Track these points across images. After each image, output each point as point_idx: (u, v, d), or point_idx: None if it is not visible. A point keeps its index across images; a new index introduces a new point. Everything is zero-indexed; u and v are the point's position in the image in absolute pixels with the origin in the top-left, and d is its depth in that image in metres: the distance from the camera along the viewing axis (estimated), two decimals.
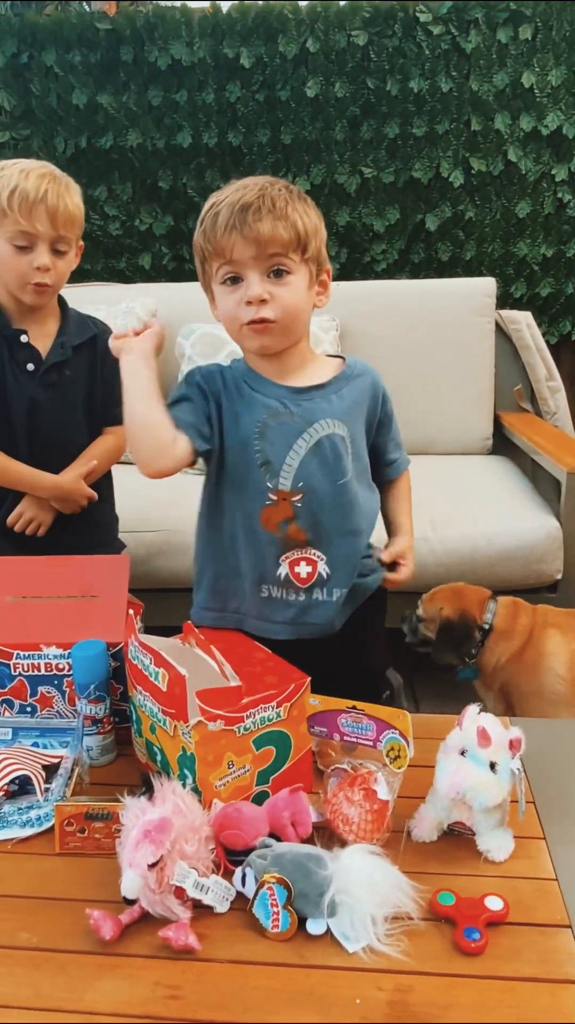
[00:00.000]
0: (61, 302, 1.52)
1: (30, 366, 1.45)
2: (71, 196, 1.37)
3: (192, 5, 2.63)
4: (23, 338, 1.43)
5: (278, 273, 1.05)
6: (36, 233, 1.33)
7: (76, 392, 1.50)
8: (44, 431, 1.48)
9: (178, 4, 2.61)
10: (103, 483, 1.58)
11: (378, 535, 1.23)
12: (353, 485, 1.14)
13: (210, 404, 1.11)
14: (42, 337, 1.46)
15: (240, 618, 1.17)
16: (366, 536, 1.19)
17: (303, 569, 1.12)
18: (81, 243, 1.46)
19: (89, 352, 1.50)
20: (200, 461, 1.13)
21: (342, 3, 2.56)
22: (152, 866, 0.75)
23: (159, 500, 1.86)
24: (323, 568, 1.13)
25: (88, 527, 1.55)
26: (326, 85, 2.62)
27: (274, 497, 1.11)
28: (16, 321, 1.45)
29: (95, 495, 1.53)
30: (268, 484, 1.10)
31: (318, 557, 1.13)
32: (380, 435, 1.22)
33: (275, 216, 1.03)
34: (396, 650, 1.53)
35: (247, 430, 1.10)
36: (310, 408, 1.11)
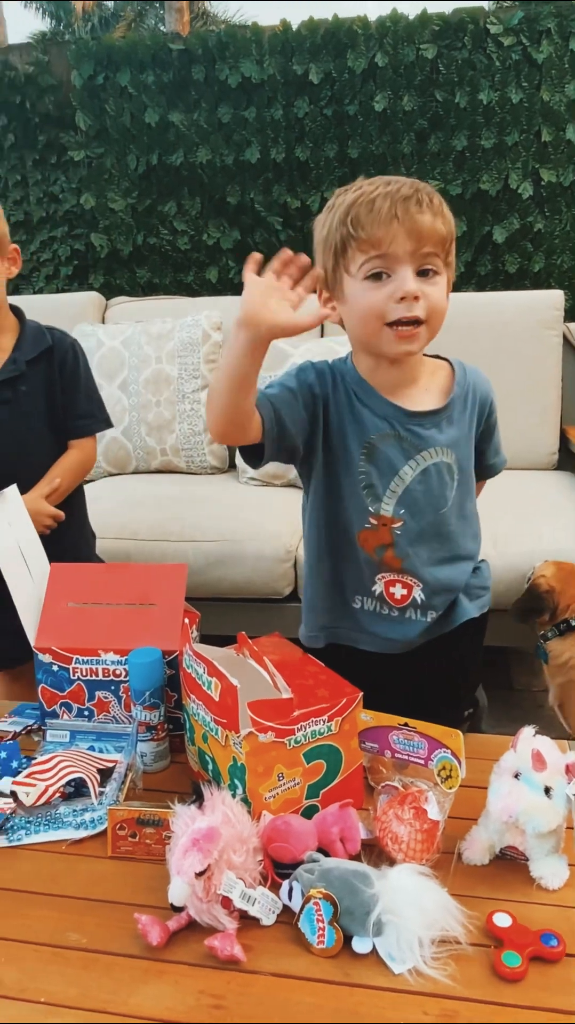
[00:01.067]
0: (19, 313, 1.48)
1: None
2: None
3: (263, 23, 2.67)
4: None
5: (425, 273, 0.99)
6: None
7: (34, 407, 1.45)
8: (3, 450, 1.42)
9: (249, 23, 2.65)
10: (72, 501, 1.52)
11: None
12: (454, 512, 1.11)
13: (316, 407, 1.06)
14: None
15: (334, 631, 1.16)
16: (471, 559, 1.16)
17: (398, 591, 1.11)
18: (14, 247, 1.42)
19: (46, 364, 1.45)
20: (294, 476, 1.12)
21: (412, 17, 2.56)
22: (200, 874, 0.76)
23: (218, 510, 1.89)
24: (419, 594, 1.11)
25: (57, 549, 1.38)
26: (394, 99, 2.62)
27: (374, 522, 1.08)
28: None
29: (61, 515, 1.46)
30: (370, 508, 1.08)
31: (414, 582, 1.11)
32: (482, 442, 1.17)
33: (433, 211, 0.97)
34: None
35: (354, 448, 1.06)
36: (421, 435, 1.06)
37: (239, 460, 2.19)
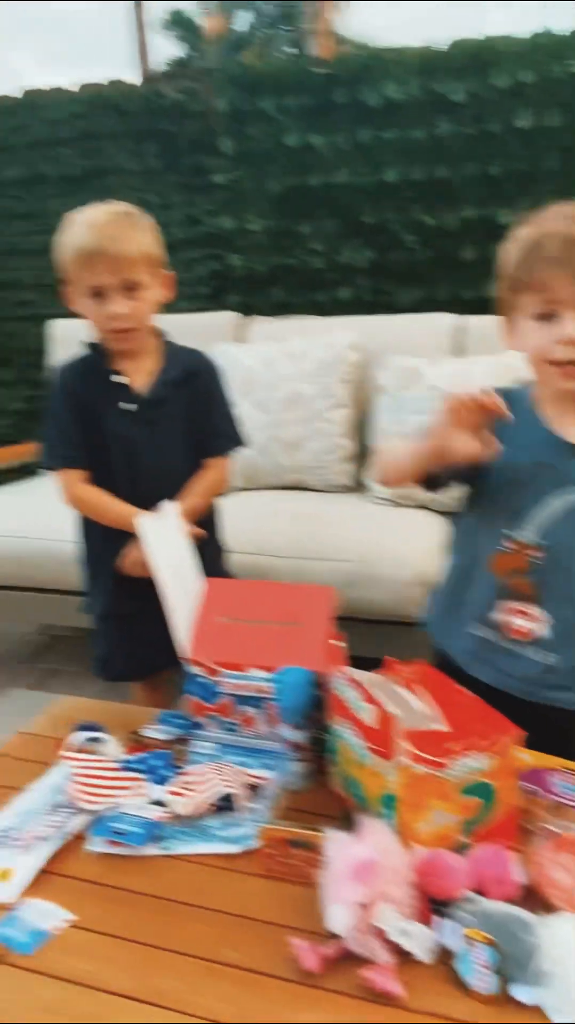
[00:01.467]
0: (162, 335, 1.50)
1: (128, 405, 1.43)
2: (133, 237, 1.34)
3: (408, 45, 2.67)
4: (121, 378, 1.42)
5: None
6: (102, 284, 1.33)
7: (176, 428, 1.48)
8: (145, 470, 1.45)
9: (395, 45, 2.67)
10: (208, 519, 1.55)
11: None
12: None
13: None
14: (140, 375, 1.45)
15: (455, 654, 1.16)
16: None
17: (521, 622, 1.09)
18: (168, 273, 1.43)
19: (189, 386, 1.48)
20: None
21: (561, 34, 2.51)
22: (359, 905, 0.76)
23: (352, 530, 1.89)
24: (542, 629, 1.08)
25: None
26: (539, 116, 2.57)
27: (512, 546, 1.08)
28: (115, 361, 1.45)
29: (203, 533, 1.48)
30: (510, 532, 1.07)
31: (540, 616, 1.08)
32: None
33: None
34: None
35: (508, 470, 1.07)
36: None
37: (370, 480, 2.19)
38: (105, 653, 1.57)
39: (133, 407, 1.42)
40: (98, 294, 1.34)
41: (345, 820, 0.89)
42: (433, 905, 0.84)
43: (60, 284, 1.42)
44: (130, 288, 1.34)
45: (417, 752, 0.87)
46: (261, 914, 0.88)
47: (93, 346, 1.46)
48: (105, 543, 1.46)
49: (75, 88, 3.06)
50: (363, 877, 0.76)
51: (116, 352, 1.44)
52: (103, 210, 1.35)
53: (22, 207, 3.21)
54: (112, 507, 1.42)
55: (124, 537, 1.39)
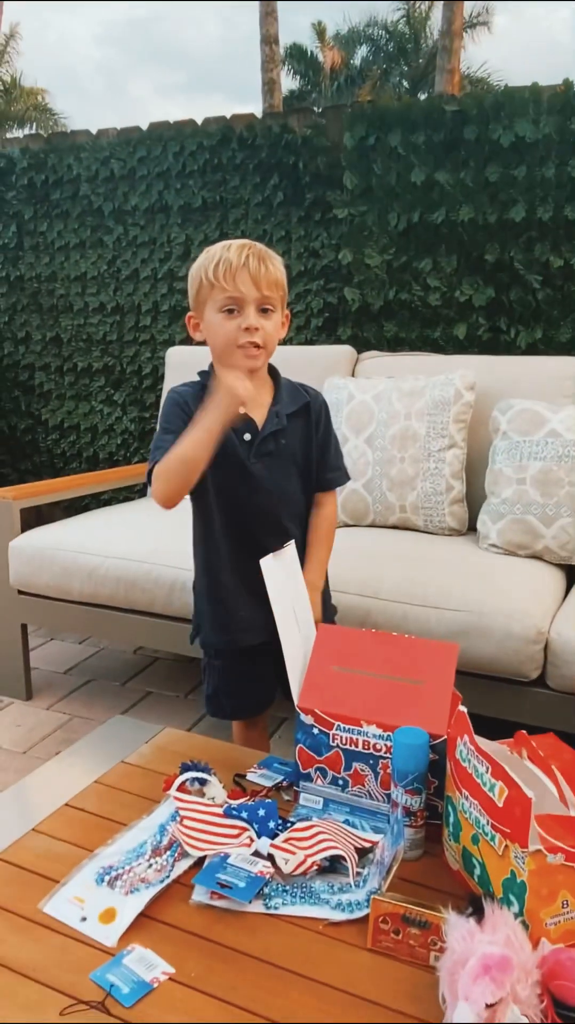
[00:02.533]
0: (273, 372, 1.52)
1: (247, 436, 1.44)
2: (271, 262, 1.41)
3: (543, 84, 2.62)
4: (240, 409, 1.36)
5: None
6: (242, 296, 1.36)
7: (292, 459, 1.50)
8: (267, 500, 1.47)
9: (529, 84, 2.62)
10: None
11: None
12: None
13: None
14: (257, 408, 1.45)
15: None
16: None
17: None
18: (288, 312, 1.48)
19: (303, 419, 1.50)
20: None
21: None
22: (489, 1006, 0.70)
23: (462, 577, 1.82)
24: None
25: None
26: None
27: None
28: None
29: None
30: None
31: None
32: None
33: None
34: None
35: None
36: None
37: (481, 524, 2.12)
38: (216, 690, 1.56)
39: (248, 436, 1.44)
40: (233, 309, 1.38)
41: (467, 904, 0.83)
42: (563, 1009, 0.77)
43: (187, 312, 1.47)
44: (264, 309, 1.39)
45: (550, 840, 0.81)
46: (370, 993, 0.83)
47: (210, 374, 1.48)
48: (231, 575, 1.47)
49: (199, 121, 3.14)
50: (494, 976, 0.70)
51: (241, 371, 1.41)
52: (242, 240, 1.41)
53: (145, 236, 3.31)
54: (186, 436, 1.34)
55: (249, 571, 1.31)
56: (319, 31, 21.27)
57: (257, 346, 1.39)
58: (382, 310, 2.93)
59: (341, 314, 3.01)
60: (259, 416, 1.46)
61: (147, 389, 3.46)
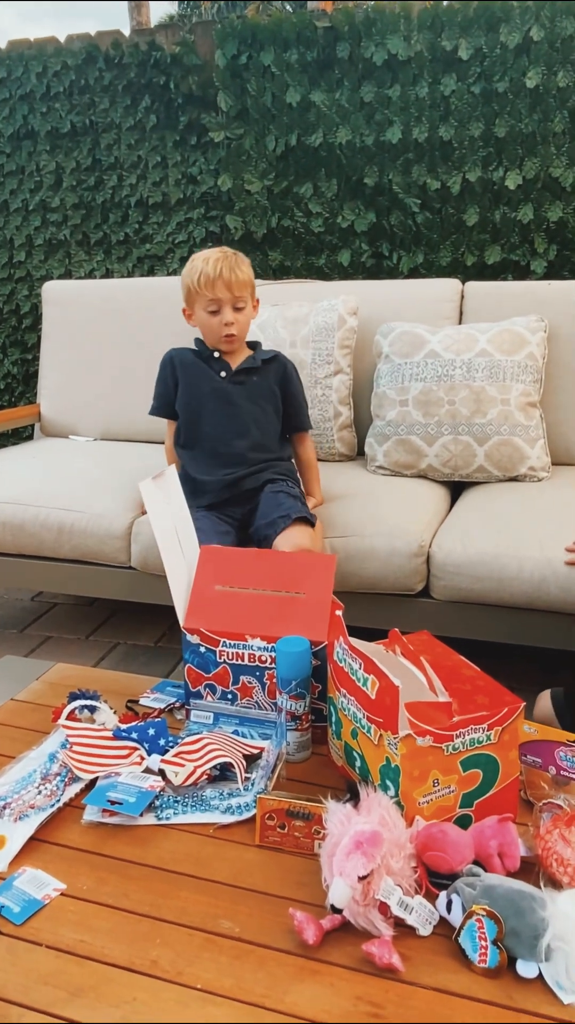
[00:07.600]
0: (253, 346, 1.92)
1: (223, 373, 1.85)
2: (240, 269, 1.78)
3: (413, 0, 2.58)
4: (216, 354, 1.86)
5: None
6: (220, 299, 1.77)
7: (265, 392, 1.87)
8: (240, 416, 1.82)
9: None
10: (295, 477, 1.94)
11: None
12: None
13: None
14: (236, 360, 1.87)
15: None
16: None
17: None
18: (257, 299, 1.86)
19: (274, 367, 1.89)
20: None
21: None
22: (362, 878, 0.74)
23: (348, 503, 1.85)
24: None
25: None
26: (548, 75, 2.49)
27: None
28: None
29: (322, 500, 1.96)
30: None
31: None
32: None
33: None
34: None
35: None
36: None
37: (368, 447, 2.15)
38: None
39: (224, 373, 1.85)
40: (215, 310, 1.79)
41: (352, 793, 0.87)
42: (436, 878, 0.83)
43: (183, 306, 1.87)
44: (238, 307, 1.80)
45: (419, 724, 0.85)
46: (259, 885, 0.86)
47: (201, 343, 1.90)
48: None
49: (62, 39, 2.96)
50: (366, 850, 0.74)
51: (222, 354, 1.87)
52: (219, 250, 1.81)
53: (12, 164, 3.12)
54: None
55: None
56: None
57: (233, 335, 1.81)
58: (266, 238, 2.88)
59: (224, 243, 2.95)
60: (235, 362, 1.86)
61: (27, 329, 3.31)
